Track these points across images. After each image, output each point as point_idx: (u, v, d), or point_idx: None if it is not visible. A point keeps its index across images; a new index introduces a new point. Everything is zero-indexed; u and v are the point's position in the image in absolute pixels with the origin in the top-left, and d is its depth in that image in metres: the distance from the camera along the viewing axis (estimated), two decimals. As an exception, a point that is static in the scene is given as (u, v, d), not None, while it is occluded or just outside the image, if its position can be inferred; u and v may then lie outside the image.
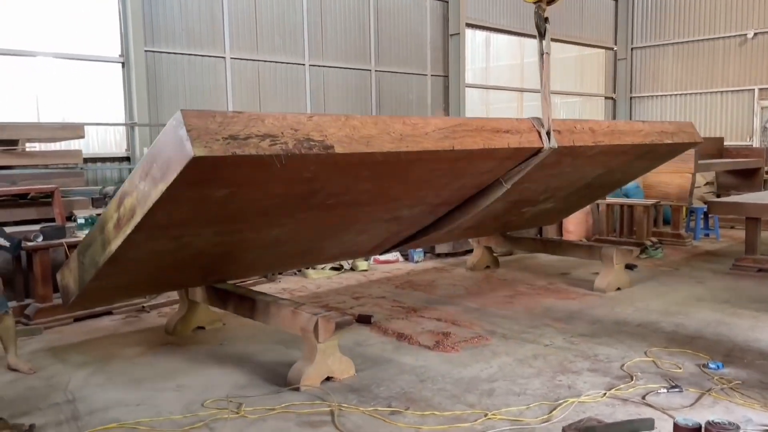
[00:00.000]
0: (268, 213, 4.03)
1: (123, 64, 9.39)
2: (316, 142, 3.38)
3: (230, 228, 4.06)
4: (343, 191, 4.13)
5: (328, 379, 4.32)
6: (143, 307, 6.30)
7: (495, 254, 8.36)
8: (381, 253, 6.14)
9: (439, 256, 8.90)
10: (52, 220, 6.41)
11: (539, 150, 4.81)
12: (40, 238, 5.71)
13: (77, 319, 5.83)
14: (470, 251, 8.34)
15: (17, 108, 8.56)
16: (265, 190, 3.68)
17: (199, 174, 3.13)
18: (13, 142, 7.05)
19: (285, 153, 3.21)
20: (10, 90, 8.51)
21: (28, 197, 6.54)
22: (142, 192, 3.35)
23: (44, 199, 6.58)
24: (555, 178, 5.86)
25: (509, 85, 15.54)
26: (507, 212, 6.46)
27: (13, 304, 5.20)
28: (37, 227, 5.94)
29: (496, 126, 4.45)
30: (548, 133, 4.83)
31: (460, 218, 5.48)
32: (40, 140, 7.59)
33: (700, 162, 9.86)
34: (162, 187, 3.17)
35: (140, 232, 3.53)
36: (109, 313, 6.05)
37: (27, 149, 7.32)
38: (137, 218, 3.41)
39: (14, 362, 4.62)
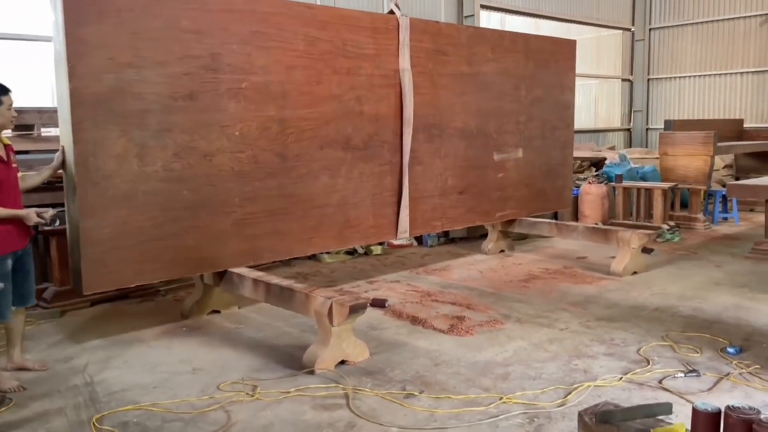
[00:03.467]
0: (194, 96, 4.56)
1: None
2: None
3: (170, 120, 4.46)
4: (244, 64, 4.79)
5: (342, 362, 4.33)
6: (159, 290, 6.35)
7: (510, 238, 8.31)
8: (396, 236, 6.16)
9: (453, 240, 8.87)
10: (69, 204, 6.45)
11: (397, 22, 5.82)
12: (57, 222, 5.74)
13: (94, 303, 5.89)
14: (485, 236, 8.29)
15: (33, 93, 8.60)
16: (165, 49, 4.38)
17: None
18: (29, 127, 7.08)
19: None
20: (26, 76, 8.55)
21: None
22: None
23: (60, 183, 6.60)
24: (471, 86, 6.68)
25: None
26: (480, 158, 6.93)
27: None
28: (53, 211, 5.97)
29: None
30: (396, 5, 5.91)
31: (412, 140, 6.05)
32: (55, 125, 7.62)
33: (719, 144, 9.71)
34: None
35: (80, 97, 4.06)
36: (125, 297, 6.10)
37: (42, 134, 7.36)
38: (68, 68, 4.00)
39: (20, 361, 4.33)
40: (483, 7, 13.33)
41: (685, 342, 4.67)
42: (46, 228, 5.61)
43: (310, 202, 5.38)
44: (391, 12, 5.88)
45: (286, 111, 5.11)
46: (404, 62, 5.88)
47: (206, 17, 4.57)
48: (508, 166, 7.30)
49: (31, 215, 4.04)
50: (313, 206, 5.40)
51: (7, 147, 4.15)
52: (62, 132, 4.30)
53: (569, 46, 8.05)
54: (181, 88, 4.49)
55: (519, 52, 7.20)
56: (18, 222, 4.05)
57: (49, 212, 4.12)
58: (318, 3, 9.30)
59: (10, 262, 4.06)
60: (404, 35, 5.85)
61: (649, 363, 4.26)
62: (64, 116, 4.17)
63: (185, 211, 4.63)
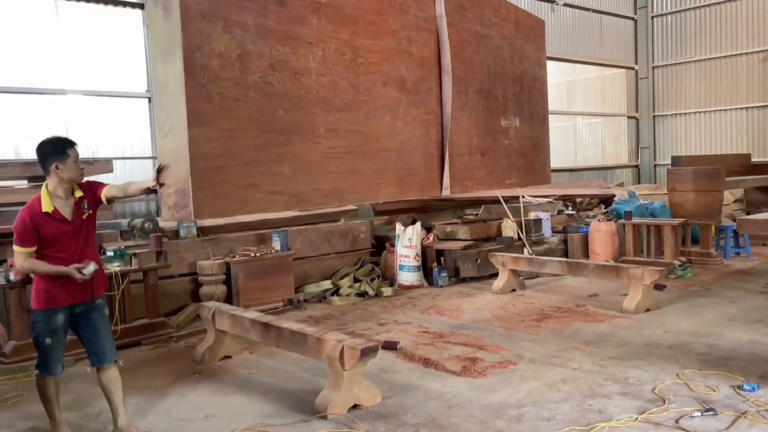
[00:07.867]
0: (284, 2, 4.33)
1: (149, 99, 9.63)
2: None
3: (265, 24, 4.22)
4: None
5: (354, 406, 4.31)
6: (171, 337, 6.37)
7: (521, 277, 8.30)
8: (441, 192, 5.93)
9: (464, 280, 8.86)
10: (83, 253, 6.52)
11: None
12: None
13: (107, 351, 5.91)
14: (495, 275, 8.29)
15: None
16: None
17: None
18: (45, 178, 7.23)
19: None
20: (42, 127, 8.76)
21: (60, 231, 6.67)
22: None
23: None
24: (484, 47, 6.44)
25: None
26: (494, 122, 6.70)
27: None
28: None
29: None
30: None
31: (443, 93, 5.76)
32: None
33: (727, 179, 9.73)
34: None
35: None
36: (137, 344, 6.13)
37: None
38: None
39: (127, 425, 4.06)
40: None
41: (700, 380, 4.62)
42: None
43: (377, 143, 5.18)
44: None
45: (358, 39, 5.01)
46: (441, 8, 5.77)
47: None
48: (511, 133, 7.15)
49: (71, 272, 3.79)
50: (380, 148, 5.22)
51: (77, 200, 4.10)
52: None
53: (540, 24, 8.06)
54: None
55: (511, 22, 7.18)
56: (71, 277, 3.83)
57: (90, 267, 3.85)
58: None
59: (60, 317, 3.88)
60: None
61: (665, 402, 4.21)
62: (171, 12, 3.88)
63: (281, 134, 4.34)
